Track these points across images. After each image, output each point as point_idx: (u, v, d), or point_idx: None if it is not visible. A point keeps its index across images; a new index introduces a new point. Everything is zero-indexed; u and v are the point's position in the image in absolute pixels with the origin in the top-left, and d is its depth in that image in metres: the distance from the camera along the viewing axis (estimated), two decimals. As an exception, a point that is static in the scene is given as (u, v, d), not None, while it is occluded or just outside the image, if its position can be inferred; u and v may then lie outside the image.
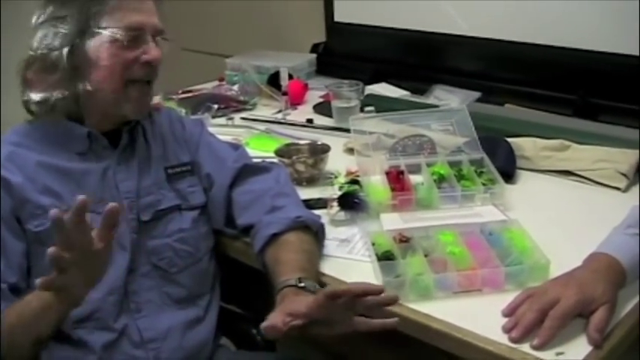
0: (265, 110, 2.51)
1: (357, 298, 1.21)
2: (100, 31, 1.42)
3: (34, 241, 1.41)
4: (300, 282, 1.31)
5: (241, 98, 2.55)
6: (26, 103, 1.50)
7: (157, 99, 1.92)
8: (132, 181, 1.51)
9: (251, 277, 1.61)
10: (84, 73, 1.44)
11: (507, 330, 1.21)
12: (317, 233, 1.52)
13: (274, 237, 1.46)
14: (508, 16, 2.39)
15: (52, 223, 1.15)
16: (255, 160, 1.73)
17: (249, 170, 1.64)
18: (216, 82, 2.76)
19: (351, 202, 1.64)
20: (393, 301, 1.23)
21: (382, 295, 1.21)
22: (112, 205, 1.18)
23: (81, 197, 1.15)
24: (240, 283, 1.70)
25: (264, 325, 1.21)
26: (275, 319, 1.21)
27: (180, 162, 1.60)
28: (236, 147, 1.73)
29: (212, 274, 1.61)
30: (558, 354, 1.16)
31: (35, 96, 1.47)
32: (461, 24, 2.51)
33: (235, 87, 2.65)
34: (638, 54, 2.05)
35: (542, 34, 2.29)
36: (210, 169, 1.62)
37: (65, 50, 1.42)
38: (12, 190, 1.41)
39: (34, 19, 1.47)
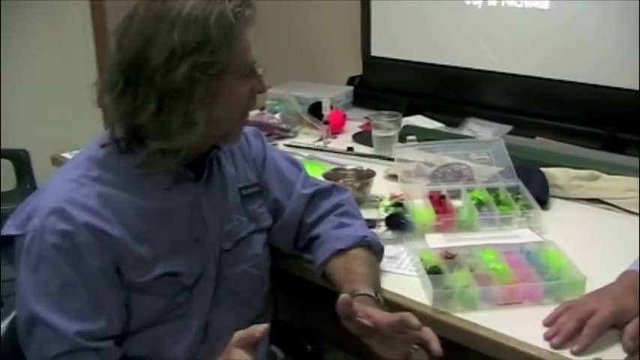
0: (306, 138, 2.63)
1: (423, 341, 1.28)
2: (232, 71, 1.35)
3: (135, 290, 1.38)
4: (377, 295, 1.40)
5: (283, 126, 2.69)
6: (154, 156, 1.37)
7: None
8: (215, 212, 1.50)
9: (302, 291, 1.74)
10: (214, 114, 1.36)
11: (549, 337, 1.33)
12: (377, 254, 1.60)
13: (340, 252, 1.53)
14: (538, 53, 2.53)
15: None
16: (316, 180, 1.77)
17: (319, 194, 1.67)
18: (257, 111, 2.90)
19: (398, 222, 1.76)
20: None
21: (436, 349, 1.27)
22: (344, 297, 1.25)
23: (342, 297, 1.25)
24: (293, 297, 1.81)
25: (344, 295, 1.26)
26: (355, 304, 1.29)
27: (251, 182, 1.60)
28: (297, 165, 1.73)
29: (269, 293, 1.67)
30: (596, 359, 1.27)
31: (156, 144, 1.35)
32: (493, 60, 2.65)
33: (277, 115, 2.78)
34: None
35: (571, 71, 2.43)
36: (279, 194, 1.64)
37: (205, 99, 1.33)
38: (112, 242, 1.34)
39: (153, 53, 1.30)
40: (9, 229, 1.37)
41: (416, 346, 1.29)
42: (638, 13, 2.24)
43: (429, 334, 1.28)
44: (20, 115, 3.77)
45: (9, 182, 3.53)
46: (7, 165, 3.56)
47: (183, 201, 1.44)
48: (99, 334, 1.33)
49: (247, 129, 1.64)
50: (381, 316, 1.31)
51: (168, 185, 1.42)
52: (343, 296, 1.28)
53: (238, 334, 1.22)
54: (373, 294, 1.41)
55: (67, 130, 3.86)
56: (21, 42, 3.78)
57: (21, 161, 3.53)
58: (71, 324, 1.30)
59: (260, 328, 1.21)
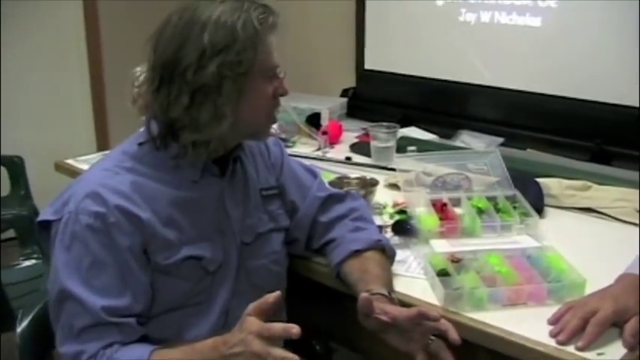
0: (305, 148, 2.73)
1: (437, 330, 1.38)
2: (257, 72, 1.46)
3: (159, 272, 1.47)
4: (390, 294, 1.49)
5: (282, 136, 2.76)
6: (186, 148, 1.49)
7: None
8: (239, 206, 1.60)
9: (311, 292, 1.82)
10: (242, 112, 1.48)
11: (554, 335, 1.42)
12: (390, 258, 1.69)
13: (356, 252, 1.61)
14: (529, 68, 2.65)
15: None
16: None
17: (333, 198, 1.77)
18: (255, 121, 2.98)
19: (404, 228, 1.85)
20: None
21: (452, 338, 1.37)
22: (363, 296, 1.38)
23: (363, 295, 1.37)
24: (302, 297, 1.88)
25: (365, 294, 1.38)
26: (375, 302, 1.40)
27: (270, 185, 1.70)
28: (314, 173, 1.83)
29: (283, 291, 1.72)
30: (599, 354, 1.37)
31: (190, 137, 1.47)
32: (485, 74, 2.76)
33: (275, 125, 2.85)
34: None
35: (562, 86, 2.54)
36: (295, 196, 1.73)
37: (233, 96, 1.45)
38: (142, 225, 1.44)
39: (184, 55, 1.43)
40: (46, 214, 1.49)
41: (433, 337, 1.39)
42: (627, 31, 2.36)
43: (445, 324, 1.38)
44: (16, 123, 3.81)
45: (4, 188, 3.56)
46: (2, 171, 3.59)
47: (209, 193, 1.55)
48: (122, 311, 1.41)
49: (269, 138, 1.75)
50: (398, 311, 1.41)
51: (196, 178, 1.53)
52: (364, 295, 1.39)
53: (252, 304, 1.31)
54: (387, 293, 1.50)
55: (62, 137, 3.93)
56: (16, 51, 3.83)
57: (15, 168, 3.56)
58: (98, 299, 1.39)
59: (273, 295, 1.31)
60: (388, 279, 1.59)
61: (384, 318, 1.40)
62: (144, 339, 1.46)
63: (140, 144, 1.53)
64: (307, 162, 2.44)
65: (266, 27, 1.47)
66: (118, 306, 1.41)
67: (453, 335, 1.36)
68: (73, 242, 1.42)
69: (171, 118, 1.46)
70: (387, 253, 1.68)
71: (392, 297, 1.49)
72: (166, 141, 1.50)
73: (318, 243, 1.74)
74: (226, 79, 1.43)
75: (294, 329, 1.26)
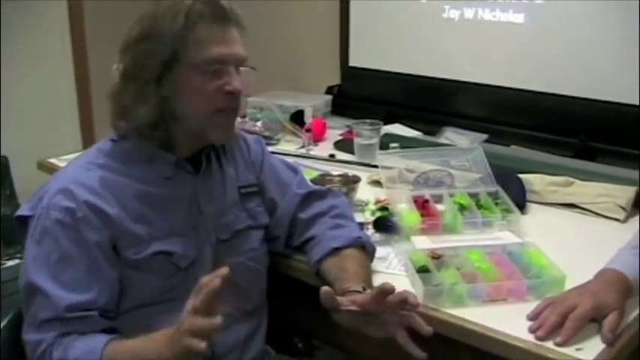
0: (289, 145, 2.72)
1: (403, 302, 1.38)
2: (186, 63, 1.47)
3: (129, 267, 1.49)
4: (365, 290, 1.48)
5: (266, 134, 2.76)
6: (118, 129, 1.56)
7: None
8: (212, 204, 1.61)
9: (293, 290, 1.81)
10: (172, 103, 1.50)
11: (533, 330, 1.42)
12: (370, 254, 1.69)
13: (336, 250, 1.61)
14: (512, 65, 2.64)
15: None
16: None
17: (314, 195, 1.77)
18: (239, 119, 2.96)
19: (385, 225, 1.85)
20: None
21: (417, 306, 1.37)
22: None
23: (323, 289, 1.35)
24: (284, 296, 1.87)
25: (325, 287, 1.36)
26: (339, 298, 1.39)
27: (249, 182, 1.71)
28: (295, 170, 1.83)
29: (264, 288, 1.75)
30: (578, 349, 1.37)
31: (126, 124, 1.53)
32: (469, 71, 2.75)
33: (259, 123, 2.85)
34: (634, 103, 2.30)
35: (545, 82, 2.54)
36: (274, 193, 1.74)
37: (153, 81, 1.48)
38: (110, 220, 1.47)
39: (123, 50, 1.52)
40: (23, 210, 1.54)
41: (404, 312, 1.39)
42: (609, 28, 2.38)
43: (414, 319, 1.38)
44: (1, 123, 3.78)
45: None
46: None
47: (181, 190, 1.58)
48: (86, 306, 1.44)
49: (249, 136, 1.82)
50: (364, 297, 1.40)
51: (169, 174, 1.56)
52: (324, 288, 1.37)
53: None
54: (361, 289, 1.49)
55: (47, 136, 3.90)
56: (21, 42, 3.81)
57: (0, 168, 3.54)
58: (64, 294, 1.43)
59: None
60: (366, 276, 1.58)
61: (353, 308, 1.39)
62: (113, 331, 1.48)
63: (113, 140, 1.58)
64: (291, 159, 2.47)
65: (201, 18, 1.48)
66: (82, 301, 1.43)
67: (423, 329, 1.36)
68: (44, 237, 1.46)
69: (111, 108, 1.55)
70: (367, 250, 1.68)
71: (367, 293, 1.48)
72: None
73: (298, 240, 1.74)
74: (145, 66, 1.48)
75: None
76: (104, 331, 1.46)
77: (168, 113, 1.51)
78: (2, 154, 3.51)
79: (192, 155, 1.59)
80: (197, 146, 1.59)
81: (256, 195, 1.72)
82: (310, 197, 1.77)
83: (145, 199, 1.53)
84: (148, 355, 1.38)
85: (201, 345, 1.24)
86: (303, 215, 1.74)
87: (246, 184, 1.70)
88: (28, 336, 1.45)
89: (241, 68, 1.54)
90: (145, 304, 1.52)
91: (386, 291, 1.36)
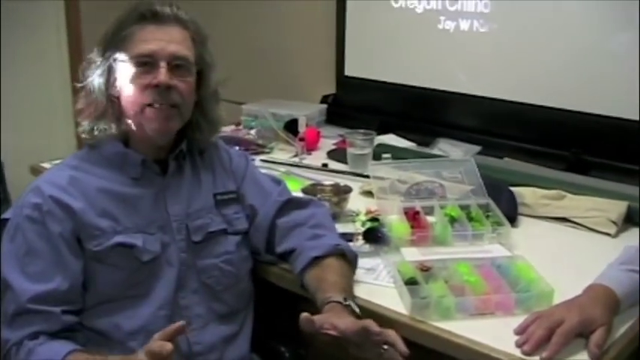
0: (282, 154, 2.71)
1: (388, 344, 1.36)
2: (120, 63, 1.60)
3: (92, 259, 1.57)
4: (346, 300, 1.48)
5: (260, 142, 2.77)
6: (82, 132, 1.66)
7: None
8: (180, 205, 1.67)
9: (281, 299, 1.80)
10: (119, 103, 1.62)
11: (519, 345, 1.41)
12: (351, 262, 1.69)
13: (316, 260, 1.63)
14: (508, 77, 2.64)
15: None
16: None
17: (293, 203, 1.80)
18: (233, 127, 2.97)
19: (375, 236, 1.84)
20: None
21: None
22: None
23: (303, 316, 1.37)
24: (272, 305, 1.87)
25: (304, 314, 1.37)
26: (317, 317, 1.39)
27: (227, 190, 1.76)
28: (278, 182, 1.89)
29: (249, 294, 1.78)
30: (564, 365, 1.37)
31: (85, 125, 1.64)
32: (463, 82, 2.75)
33: (253, 131, 2.86)
34: (628, 117, 2.30)
35: (540, 95, 2.54)
36: (255, 201, 1.78)
37: (100, 82, 1.62)
38: (74, 213, 1.56)
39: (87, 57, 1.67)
40: (7, 214, 1.63)
41: (386, 346, 1.36)
42: (605, 40, 2.37)
43: (392, 336, 1.36)
44: (18, 111, 3.79)
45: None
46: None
47: (148, 191, 1.65)
48: (50, 297, 1.51)
49: (233, 150, 1.94)
50: (345, 325, 1.39)
51: (137, 175, 1.64)
52: (303, 315, 1.38)
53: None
54: (342, 300, 1.49)
55: (42, 140, 3.89)
56: (21, 42, 3.80)
57: (-6, 171, 3.53)
58: (29, 285, 1.51)
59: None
60: (346, 284, 1.58)
61: (333, 333, 1.39)
62: (77, 329, 1.56)
63: (89, 146, 1.68)
64: (284, 168, 2.47)
65: (133, 19, 1.62)
66: (46, 291, 1.51)
67: (400, 347, 1.35)
68: (16, 233, 1.56)
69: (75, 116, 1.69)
70: (348, 257, 1.68)
71: (347, 304, 1.48)
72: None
73: (279, 248, 1.75)
74: (96, 69, 1.63)
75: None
76: (69, 329, 1.54)
77: (120, 112, 1.63)
78: (-2, 158, 3.51)
79: (160, 159, 1.68)
80: (157, 147, 1.66)
81: (234, 202, 1.77)
82: (290, 204, 1.80)
83: (111, 196, 1.61)
84: None
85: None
86: (282, 222, 1.76)
87: (224, 191, 1.76)
88: (2, 333, 1.52)
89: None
90: (110, 299, 1.58)
91: (370, 331, 1.36)
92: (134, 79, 1.59)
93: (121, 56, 1.60)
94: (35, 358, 1.47)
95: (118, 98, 1.62)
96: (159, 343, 1.33)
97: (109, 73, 1.61)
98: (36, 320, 1.50)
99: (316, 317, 1.39)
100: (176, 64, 1.61)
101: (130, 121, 1.63)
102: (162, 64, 1.58)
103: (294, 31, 3.38)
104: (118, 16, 1.64)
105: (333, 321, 1.40)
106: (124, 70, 1.60)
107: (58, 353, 1.47)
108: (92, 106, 1.63)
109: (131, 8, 1.62)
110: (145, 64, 1.59)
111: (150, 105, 1.59)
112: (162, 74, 1.58)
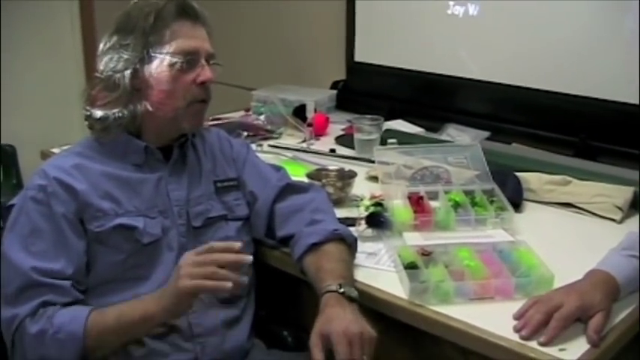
0: (290, 139, 2.71)
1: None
2: (159, 56, 1.60)
3: (94, 241, 1.58)
4: (341, 288, 1.49)
5: (268, 127, 2.77)
6: (88, 118, 1.66)
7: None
8: (182, 191, 1.69)
9: (283, 284, 1.82)
10: (144, 94, 1.62)
11: (518, 329, 1.41)
12: (351, 245, 1.70)
13: (314, 246, 1.63)
14: (517, 62, 2.62)
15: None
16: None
17: (292, 188, 1.81)
18: (243, 112, 2.97)
19: (377, 220, 1.84)
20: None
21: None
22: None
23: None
24: (274, 290, 1.88)
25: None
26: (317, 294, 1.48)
27: (228, 177, 1.79)
28: (278, 168, 1.90)
29: (250, 279, 1.77)
30: (561, 350, 1.36)
31: (97, 113, 1.63)
32: (472, 68, 2.74)
33: (262, 117, 2.85)
34: (634, 102, 2.28)
35: (548, 80, 2.52)
36: (254, 187, 1.80)
37: (127, 73, 1.60)
38: (77, 195, 1.57)
39: (101, 46, 1.65)
40: (13, 200, 1.63)
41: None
42: (612, 26, 2.35)
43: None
44: (10, 112, 3.80)
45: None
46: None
47: (150, 176, 1.67)
48: (55, 274, 1.52)
49: (235, 139, 1.95)
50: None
51: (140, 162, 1.67)
52: None
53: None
54: (338, 287, 1.49)
55: (55, 126, 3.91)
56: (11, 41, 3.82)
57: (7, 156, 3.56)
58: (33, 262, 1.52)
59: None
60: (344, 270, 1.58)
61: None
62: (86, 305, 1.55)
63: (93, 132, 1.68)
64: (291, 153, 2.47)
65: (169, 14, 1.61)
66: (49, 268, 1.52)
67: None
68: (20, 214, 1.58)
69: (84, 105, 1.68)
70: (347, 242, 1.68)
71: (342, 291, 1.49)
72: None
73: (279, 233, 1.76)
74: (117, 57, 1.61)
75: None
76: (78, 302, 1.54)
77: (140, 104, 1.62)
78: (10, 143, 3.53)
79: (164, 145, 1.69)
80: (168, 137, 1.69)
81: (234, 189, 1.79)
82: (288, 189, 1.81)
83: (114, 180, 1.63)
84: (134, 312, 1.50)
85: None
86: (281, 207, 1.78)
87: (224, 179, 1.78)
88: (3, 313, 1.52)
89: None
90: (110, 280, 1.59)
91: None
92: (178, 75, 1.61)
93: (160, 49, 1.60)
94: (59, 320, 1.48)
95: (140, 90, 1.62)
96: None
97: (141, 64, 1.60)
98: (45, 291, 1.50)
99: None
100: (207, 61, 1.65)
101: (152, 111, 1.62)
102: (204, 61, 1.63)
103: (305, 18, 3.38)
104: (145, 6, 1.62)
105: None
106: (162, 63, 1.60)
107: (81, 311, 1.50)
108: (112, 94, 1.61)
109: (164, 2, 1.62)
110: (188, 60, 1.61)
111: (201, 101, 1.65)
112: (208, 72, 1.63)
